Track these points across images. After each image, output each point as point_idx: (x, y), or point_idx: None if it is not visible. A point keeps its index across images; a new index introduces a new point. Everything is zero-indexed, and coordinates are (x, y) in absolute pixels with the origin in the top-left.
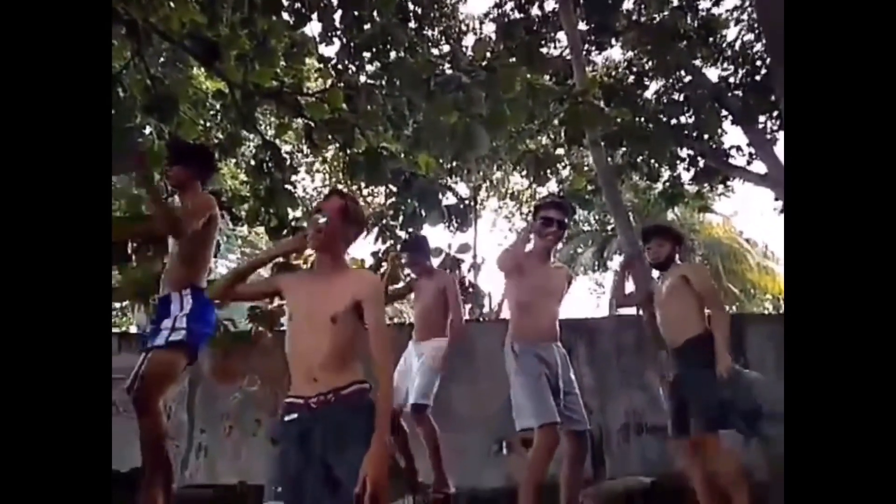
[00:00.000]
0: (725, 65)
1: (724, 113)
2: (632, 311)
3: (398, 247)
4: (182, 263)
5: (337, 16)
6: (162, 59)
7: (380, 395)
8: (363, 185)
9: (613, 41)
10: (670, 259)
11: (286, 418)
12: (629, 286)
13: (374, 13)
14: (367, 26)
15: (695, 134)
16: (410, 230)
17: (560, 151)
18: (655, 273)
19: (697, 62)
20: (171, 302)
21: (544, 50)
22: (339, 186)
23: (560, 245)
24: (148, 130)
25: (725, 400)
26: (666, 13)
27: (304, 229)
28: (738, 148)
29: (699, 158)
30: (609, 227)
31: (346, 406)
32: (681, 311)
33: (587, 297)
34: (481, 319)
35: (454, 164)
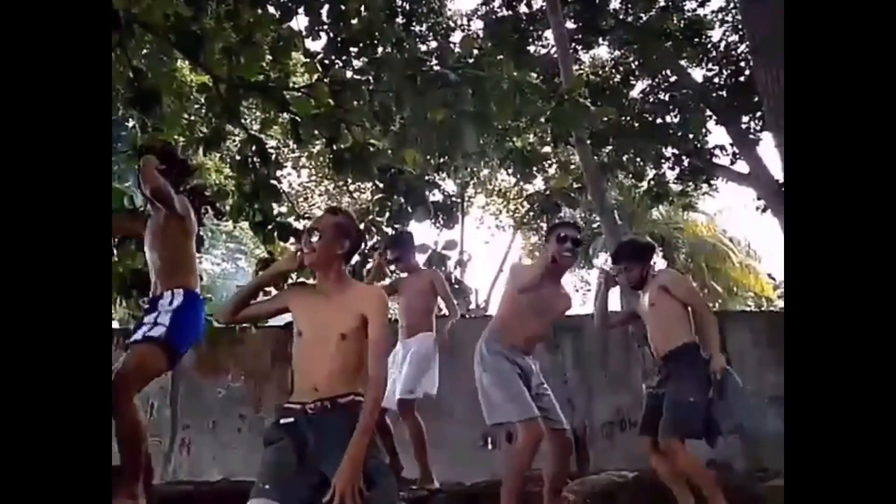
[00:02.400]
0: (710, 65)
1: (709, 113)
2: (616, 308)
3: (384, 245)
4: (167, 268)
5: (324, 10)
6: (145, 52)
7: (365, 408)
8: (349, 180)
9: (600, 40)
10: (645, 277)
11: (282, 421)
12: (611, 306)
13: (362, 8)
14: (354, 21)
15: (679, 133)
16: (397, 226)
17: (547, 149)
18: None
19: (683, 62)
20: (159, 299)
21: (532, 48)
22: (325, 182)
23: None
24: (131, 123)
25: (707, 415)
26: (652, 13)
27: (288, 225)
28: (722, 147)
29: (684, 157)
30: (595, 225)
31: (342, 414)
32: (665, 320)
33: (573, 295)
34: (467, 315)
35: (441, 160)
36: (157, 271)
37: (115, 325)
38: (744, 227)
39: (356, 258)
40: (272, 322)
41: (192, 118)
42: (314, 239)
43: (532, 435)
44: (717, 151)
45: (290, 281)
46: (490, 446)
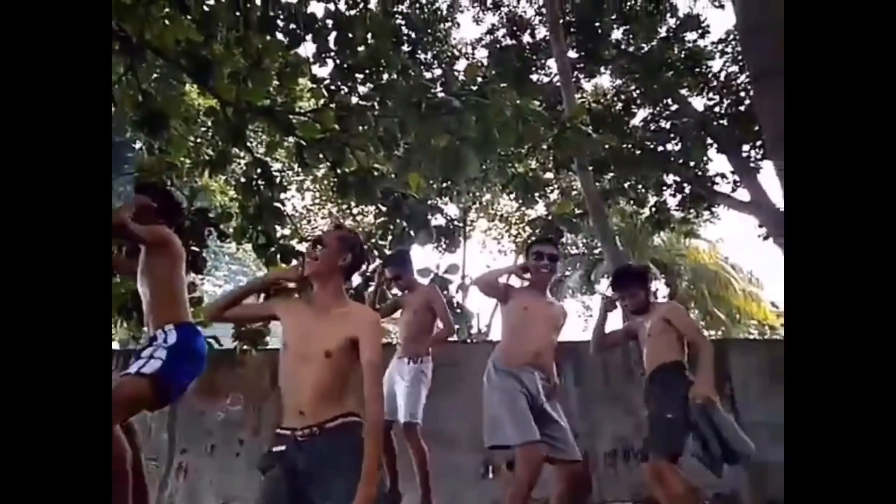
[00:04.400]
0: (711, 94)
1: (710, 141)
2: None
3: (382, 263)
4: (159, 304)
5: (331, 37)
6: (155, 75)
7: (367, 438)
8: (353, 204)
9: (602, 69)
10: (648, 302)
11: (274, 449)
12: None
13: (368, 36)
14: (360, 49)
15: (681, 161)
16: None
17: (549, 175)
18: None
19: (684, 91)
20: (156, 338)
21: (534, 76)
22: (329, 206)
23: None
24: (138, 145)
25: (694, 429)
26: (653, 43)
27: (291, 248)
28: (723, 175)
29: (685, 185)
30: (596, 251)
31: (331, 439)
32: (659, 344)
33: (575, 321)
34: (469, 340)
35: (444, 185)
36: (147, 304)
37: (115, 346)
38: (746, 255)
39: (358, 280)
40: (272, 345)
41: (199, 141)
42: (318, 249)
43: (531, 460)
44: (718, 179)
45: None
46: (491, 475)
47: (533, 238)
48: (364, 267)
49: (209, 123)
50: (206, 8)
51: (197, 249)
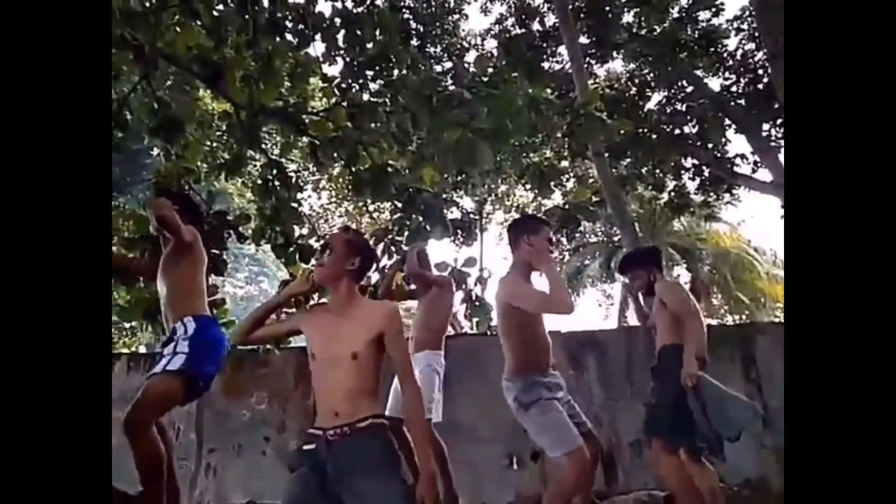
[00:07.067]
0: (727, 74)
1: (728, 121)
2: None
3: (400, 263)
4: (177, 299)
5: (340, 36)
6: (169, 82)
7: (412, 423)
8: (368, 201)
9: (614, 54)
10: (652, 284)
11: (305, 447)
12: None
13: (377, 32)
14: (369, 45)
15: (699, 143)
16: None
17: (564, 164)
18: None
19: (699, 72)
20: (175, 331)
21: (546, 64)
22: (345, 203)
23: (566, 257)
24: (156, 152)
25: (690, 413)
26: (666, 25)
27: (309, 247)
28: (743, 156)
29: (704, 167)
30: (615, 238)
31: (361, 440)
32: (662, 328)
33: (595, 310)
34: (489, 333)
35: (459, 178)
36: (166, 302)
37: (142, 349)
38: (769, 237)
39: (375, 277)
40: (295, 343)
41: (214, 145)
42: (325, 255)
43: (578, 466)
44: (737, 160)
45: (311, 303)
46: (515, 466)
47: (525, 217)
48: (377, 266)
49: (224, 127)
50: (215, 13)
51: (217, 252)
